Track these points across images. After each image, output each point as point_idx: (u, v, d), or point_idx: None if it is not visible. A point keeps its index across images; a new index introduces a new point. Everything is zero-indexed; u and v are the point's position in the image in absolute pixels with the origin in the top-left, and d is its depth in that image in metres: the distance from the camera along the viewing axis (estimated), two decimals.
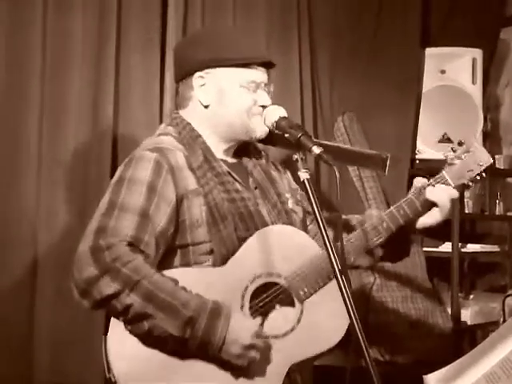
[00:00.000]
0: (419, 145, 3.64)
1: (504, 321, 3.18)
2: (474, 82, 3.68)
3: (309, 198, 1.54)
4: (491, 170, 4.15)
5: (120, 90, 2.61)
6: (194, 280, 1.66)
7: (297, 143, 1.64)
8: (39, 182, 2.36)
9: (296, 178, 1.72)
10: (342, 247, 1.57)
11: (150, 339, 1.62)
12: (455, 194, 1.83)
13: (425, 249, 3.49)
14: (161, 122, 2.71)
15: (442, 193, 1.81)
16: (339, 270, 1.46)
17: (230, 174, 1.83)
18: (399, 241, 1.88)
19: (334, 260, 1.47)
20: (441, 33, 3.86)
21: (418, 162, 3.64)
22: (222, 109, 1.82)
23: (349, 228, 1.92)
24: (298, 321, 1.72)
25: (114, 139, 2.57)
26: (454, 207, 3.46)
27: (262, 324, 1.71)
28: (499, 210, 4.02)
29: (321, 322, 1.72)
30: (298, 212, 1.93)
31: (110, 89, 2.56)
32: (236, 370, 1.66)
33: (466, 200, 3.74)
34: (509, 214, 4.11)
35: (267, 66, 1.85)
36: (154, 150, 1.75)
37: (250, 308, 1.71)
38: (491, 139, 4.12)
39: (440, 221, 1.84)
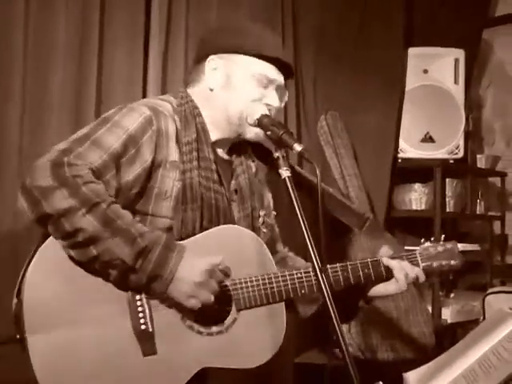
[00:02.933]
0: (402, 144, 3.65)
1: (484, 319, 3.21)
2: (456, 82, 3.70)
3: (289, 196, 1.54)
4: (472, 169, 4.22)
5: (103, 84, 2.59)
6: None
7: (278, 141, 1.64)
8: (19, 178, 2.33)
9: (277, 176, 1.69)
10: (323, 242, 1.56)
11: (93, 266, 1.52)
12: (421, 275, 1.84)
13: (406, 247, 3.50)
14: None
15: (405, 269, 1.81)
16: (319, 268, 1.47)
17: (215, 164, 1.78)
18: (347, 303, 1.87)
19: (314, 256, 1.48)
20: (424, 33, 3.88)
21: (400, 160, 3.66)
22: (226, 92, 1.77)
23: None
24: (228, 328, 1.65)
25: None
26: (436, 206, 3.49)
27: (196, 315, 1.61)
28: (480, 209, 4.05)
29: (248, 340, 1.65)
30: (265, 234, 1.87)
31: (92, 83, 2.54)
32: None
33: (447, 199, 3.77)
34: (490, 213, 4.15)
35: (284, 70, 1.82)
36: (150, 108, 1.69)
37: None
38: (473, 139, 4.15)
39: (391, 294, 1.85)
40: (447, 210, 3.78)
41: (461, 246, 3.62)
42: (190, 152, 1.71)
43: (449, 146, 3.66)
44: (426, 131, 3.65)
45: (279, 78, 1.80)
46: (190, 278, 1.54)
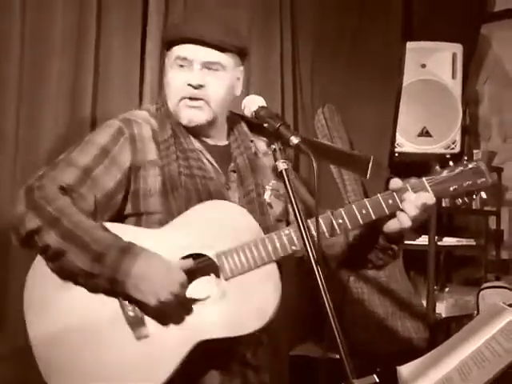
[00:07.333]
0: (398, 138, 3.65)
1: (478, 314, 3.22)
2: (454, 77, 3.70)
3: (286, 188, 1.54)
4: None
5: (100, 75, 2.58)
6: (129, 237, 1.65)
7: (275, 133, 1.64)
8: (15, 168, 2.34)
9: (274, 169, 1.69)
10: (318, 239, 1.58)
11: (65, 276, 1.64)
12: (429, 199, 1.69)
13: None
14: (140, 107, 2.69)
15: (412, 200, 1.69)
16: (315, 261, 1.47)
17: (201, 152, 1.84)
18: (365, 246, 1.84)
19: (310, 250, 1.48)
20: (422, 27, 3.88)
21: (396, 155, 3.66)
22: (165, 91, 1.86)
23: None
24: (218, 299, 1.66)
25: (92, 125, 2.54)
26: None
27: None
28: (476, 204, 4.06)
29: (241, 306, 1.65)
30: (275, 206, 1.89)
31: (89, 73, 2.53)
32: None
33: None
34: (485, 208, 4.16)
35: (204, 43, 1.78)
36: (122, 119, 1.81)
37: None
38: (470, 134, 4.16)
39: (404, 228, 1.71)
40: (443, 204, 3.78)
41: (456, 241, 3.70)
42: (167, 148, 1.79)
43: (445, 141, 3.66)
44: (423, 126, 3.65)
45: (199, 55, 1.78)
46: (147, 276, 1.59)
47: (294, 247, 1.69)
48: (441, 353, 1.75)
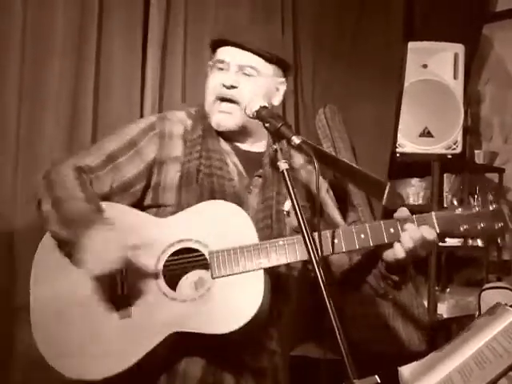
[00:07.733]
0: (400, 138, 3.64)
1: (479, 314, 3.21)
2: (455, 77, 3.69)
3: (287, 189, 1.54)
4: (470, 165, 4.20)
5: (101, 75, 2.59)
6: (133, 220, 1.74)
7: (277, 133, 1.64)
8: (16, 167, 2.34)
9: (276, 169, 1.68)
10: (319, 239, 1.57)
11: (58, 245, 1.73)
12: (428, 234, 1.64)
13: None
14: (141, 109, 2.71)
15: (410, 231, 1.65)
16: (317, 263, 1.46)
17: (228, 155, 1.86)
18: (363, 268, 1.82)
19: (311, 251, 1.47)
20: (423, 27, 3.88)
21: (398, 155, 3.65)
22: (205, 94, 1.89)
23: None
24: (202, 295, 1.69)
25: (93, 124, 2.55)
26: (433, 201, 3.48)
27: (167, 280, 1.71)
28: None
29: (220, 307, 1.67)
30: (293, 217, 1.79)
31: (90, 74, 2.54)
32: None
33: (445, 194, 3.77)
34: None
35: (241, 46, 1.82)
36: (158, 116, 1.93)
37: (166, 262, 1.72)
38: (471, 134, 4.15)
39: (397, 259, 1.67)
40: (444, 205, 3.78)
41: (457, 242, 3.69)
42: (192, 147, 1.85)
43: (447, 141, 3.65)
44: (425, 126, 3.64)
45: (236, 58, 1.83)
46: (93, 246, 1.60)
47: (284, 259, 1.68)
48: (442, 353, 1.74)
